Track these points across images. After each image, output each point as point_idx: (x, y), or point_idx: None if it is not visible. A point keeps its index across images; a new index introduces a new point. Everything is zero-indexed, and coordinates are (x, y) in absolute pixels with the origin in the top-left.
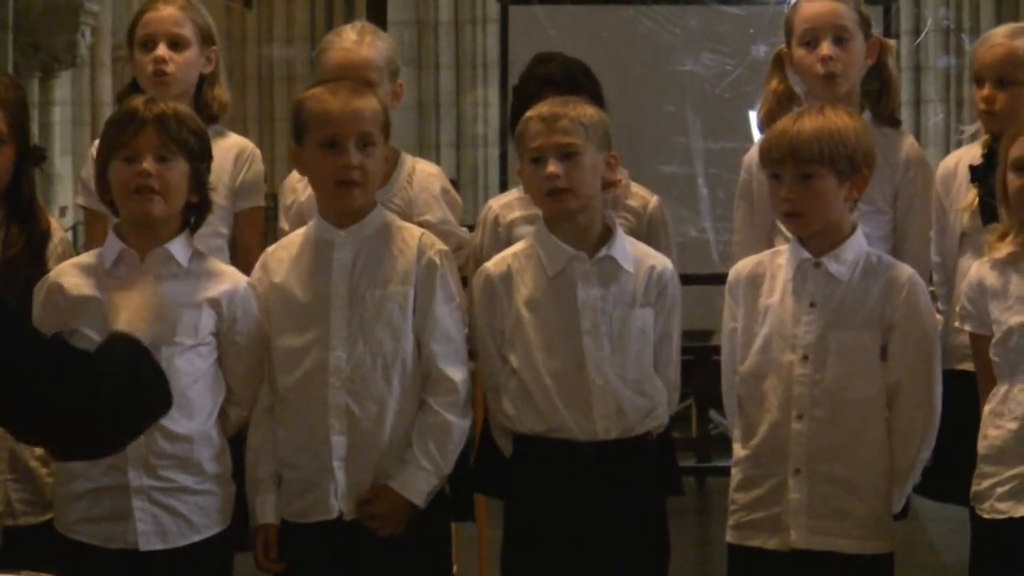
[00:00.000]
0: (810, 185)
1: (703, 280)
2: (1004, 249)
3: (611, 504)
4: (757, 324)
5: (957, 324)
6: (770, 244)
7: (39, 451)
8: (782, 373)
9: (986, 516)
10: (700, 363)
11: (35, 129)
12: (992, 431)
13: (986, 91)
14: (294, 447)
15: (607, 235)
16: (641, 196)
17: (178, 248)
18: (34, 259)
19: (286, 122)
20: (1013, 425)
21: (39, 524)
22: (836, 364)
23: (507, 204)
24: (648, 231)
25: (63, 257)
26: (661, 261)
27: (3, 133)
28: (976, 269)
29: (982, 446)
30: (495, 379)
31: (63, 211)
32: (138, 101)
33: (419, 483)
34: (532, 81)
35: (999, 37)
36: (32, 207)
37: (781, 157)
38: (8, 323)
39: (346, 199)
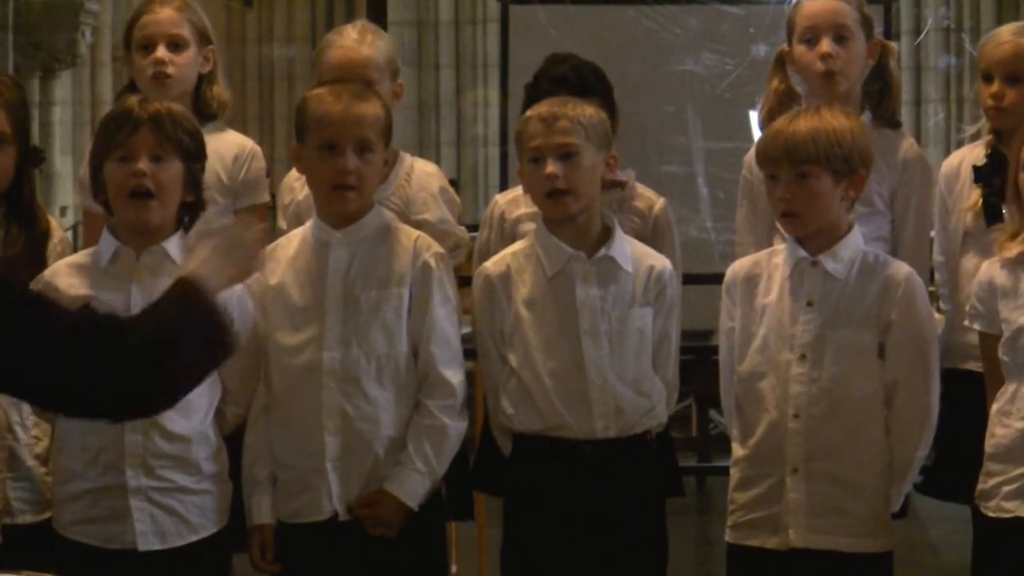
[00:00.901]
0: (806, 185)
1: (704, 280)
2: (1014, 248)
3: (610, 503)
4: (755, 324)
5: (967, 323)
6: (772, 243)
7: (38, 450)
8: (780, 372)
9: (991, 515)
10: (700, 363)
11: (35, 129)
12: (999, 430)
13: (995, 87)
14: (288, 447)
15: (606, 235)
16: (647, 198)
17: (174, 247)
18: (34, 259)
19: (286, 122)
20: (1021, 424)
21: (38, 523)
22: (834, 363)
23: (513, 200)
24: (653, 233)
25: (63, 257)
26: (660, 261)
27: (5, 134)
28: (986, 268)
29: (989, 445)
30: (495, 379)
31: (63, 211)
32: (133, 101)
33: (413, 485)
34: (544, 80)
35: (1007, 35)
36: (32, 207)
37: (777, 157)
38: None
39: (341, 203)
